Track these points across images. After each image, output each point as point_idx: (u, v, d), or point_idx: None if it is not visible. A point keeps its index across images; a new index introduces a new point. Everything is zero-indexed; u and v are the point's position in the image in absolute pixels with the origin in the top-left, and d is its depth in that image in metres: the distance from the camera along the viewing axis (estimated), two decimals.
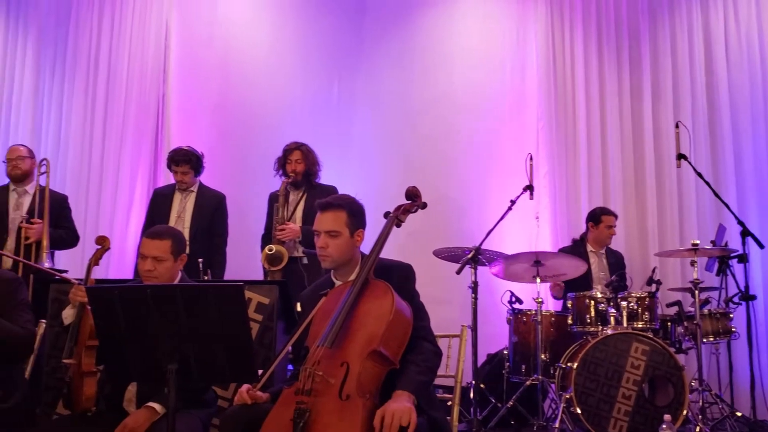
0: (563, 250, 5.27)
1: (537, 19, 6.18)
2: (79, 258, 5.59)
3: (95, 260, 2.98)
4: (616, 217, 5.34)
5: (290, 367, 3.63)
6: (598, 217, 5.26)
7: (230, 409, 2.50)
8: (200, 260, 4.31)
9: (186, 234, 4.67)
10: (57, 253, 4.79)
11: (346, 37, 6.33)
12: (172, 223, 4.72)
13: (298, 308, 3.91)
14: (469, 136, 6.10)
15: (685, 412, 4.04)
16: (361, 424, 2.22)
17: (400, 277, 2.60)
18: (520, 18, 6.22)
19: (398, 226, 2.71)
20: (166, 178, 5.57)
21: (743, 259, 4.67)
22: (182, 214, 4.77)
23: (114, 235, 5.73)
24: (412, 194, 2.74)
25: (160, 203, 4.86)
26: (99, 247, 3.01)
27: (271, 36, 6.29)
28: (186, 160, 4.73)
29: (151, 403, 2.70)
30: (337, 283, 2.67)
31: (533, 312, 4.62)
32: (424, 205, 2.75)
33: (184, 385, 2.34)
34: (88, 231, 5.68)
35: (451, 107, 6.14)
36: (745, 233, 4.67)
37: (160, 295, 2.23)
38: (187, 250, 4.56)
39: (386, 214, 2.73)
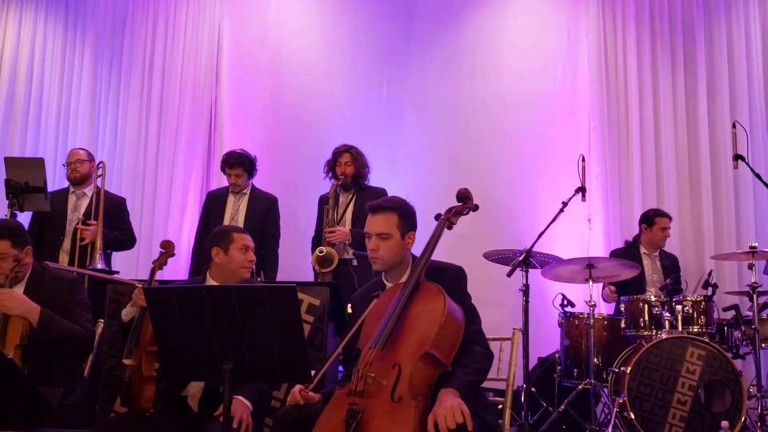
0: (615, 252, 5.19)
1: (588, 16, 6.09)
2: (134, 260, 5.76)
3: (159, 264, 3.06)
4: (670, 219, 5.22)
5: (341, 368, 3.67)
6: (651, 218, 5.17)
7: (282, 409, 2.55)
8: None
9: None
10: (114, 254, 4.91)
11: (395, 39, 6.35)
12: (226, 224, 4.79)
13: (349, 310, 3.97)
14: (520, 136, 6.06)
15: (743, 418, 3.95)
16: (413, 426, 2.23)
17: (452, 279, 2.61)
18: (571, 15, 6.14)
19: (449, 228, 2.72)
20: (219, 180, 5.69)
21: None
22: (235, 216, 4.84)
23: (168, 237, 5.84)
24: (464, 196, 2.75)
25: (213, 205, 4.94)
26: (163, 251, 3.09)
27: (322, 39, 6.36)
28: (239, 163, 4.80)
29: (242, 399, 2.78)
30: (389, 285, 2.69)
31: (585, 315, 4.57)
32: (475, 208, 2.76)
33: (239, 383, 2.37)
34: (143, 233, 5.85)
35: (501, 107, 6.11)
36: None
37: (216, 296, 2.27)
38: None
39: (437, 216, 2.74)
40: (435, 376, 2.39)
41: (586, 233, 5.80)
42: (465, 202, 2.74)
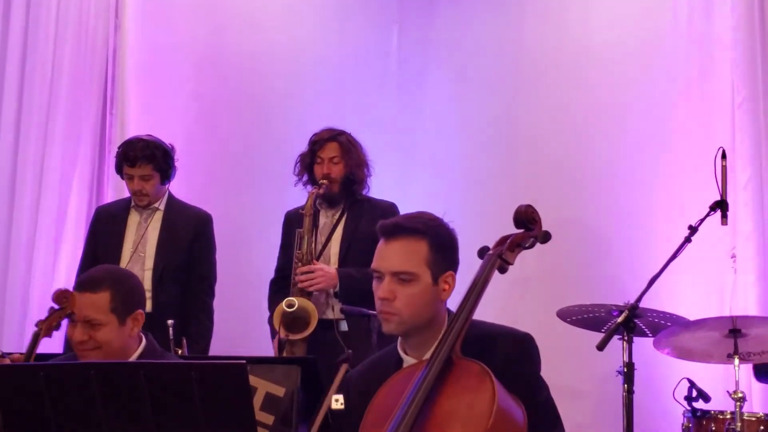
0: None
1: None
2: None
3: (48, 329, 3.06)
4: None
5: None
6: None
7: None
8: (170, 322, 4.35)
9: (147, 278, 4.78)
10: None
11: None
12: (125, 258, 4.82)
13: (334, 403, 3.96)
14: (617, 119, 6.06)
15: None
16: None
17: (513, 355, 2.61)
18: None
19: (502, 271, 2.72)
20: (118, 187, 5.66)
21: None
22: (141, 245, 4.85)
23: (33, 278, 5.84)
24: (528, 219, 2.75)
25: (106, 228, 4.95)
26: (58, 307, 3.08)
27: None
28: (146, 158, 4.81)
29: None
30: (407, 360, 2.69)
31: (729, 415, 4.53)
32: (545, 237, 2.78)
33: None
34: None
35: (587, 71, 6.12)
36: None
37: (112, 378, 2.26)
38: (148, 306, 4.71)
39: (482, 252, 2.75)
40: None
41: (728, 278, 5.77)
42: (528, 228, 2.75)
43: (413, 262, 2.63)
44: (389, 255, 2.66)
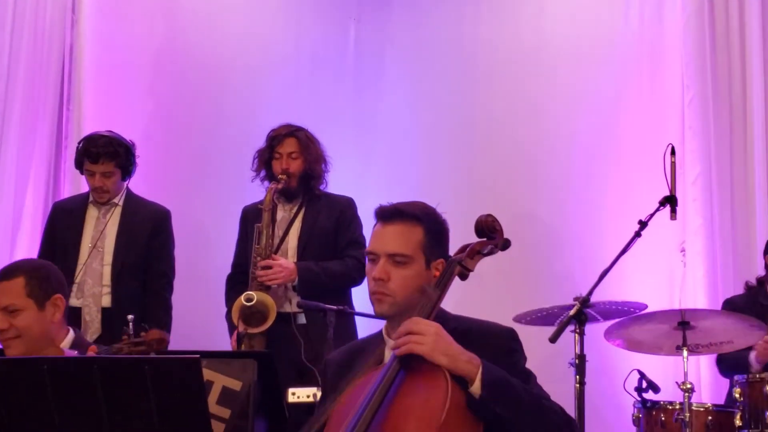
0: (730, 302, 5.20)
1: None
2: None
3: None
4: None
5: None
6: None
7: None
8: (130, 317, 4.31)
9: (106, 273, 4.77)
10: None
11: None
12: (84, 253, 4.78)
13: (291, 397, 3.96)
14: (570, 116, 6.10)
15: None
16: None
17: (504, 348, 2.62)
18: None
19: (463, 278, 2.70)
20: (76, 182, 5.62)
21: None
22: (100, 241, 4.82)
23: None
24: (489, 228, 2.74)
25: (64, 224, 4.91)
26: None
27: None
28: (108, 154, 4.78)
29: None
30: (390, 342, 2.67)
31: (677, 406, 4.57)
32: (505, 245, 2.77)
33: None
34: None
35: (541, 67, 6.16)
36: None
37: (65, 374, 2.24)
38: (106, 300, 4.68)
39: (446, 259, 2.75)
40: None
41: (678, 272, 5.82)
42: (490, 236, 2.74)
43: (409, 245, 2.63)
44: (386, 237, 2.65)
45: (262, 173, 4.89)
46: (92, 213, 4.90)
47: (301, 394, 3.97)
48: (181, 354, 2.46)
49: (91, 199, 4.93)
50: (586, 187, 6.02)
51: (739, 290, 5.45)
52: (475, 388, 2.39)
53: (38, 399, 2.24)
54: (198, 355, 2.28)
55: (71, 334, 3.18)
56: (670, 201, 4.72)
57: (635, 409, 4.81)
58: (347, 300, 4.68)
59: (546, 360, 5.05)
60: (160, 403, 2.21)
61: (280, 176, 4.76)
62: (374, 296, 2.65)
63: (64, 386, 2.22)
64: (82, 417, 2.24)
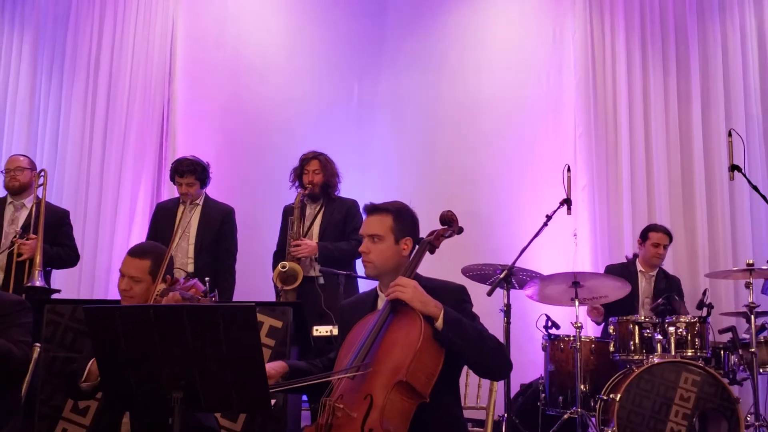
0: (611, 268, 5.22)
1: (575, 17, 6.15)
2: (76, 278, 5.64)
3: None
4: (668, 235, 5.21)
5: (305, 397, 3.63)
6: (645, 233, 5.21)
7: None
8: (207, 279, 4.31)
9: (190, 250, 4.74)
10: (55, 272, 4.81)
11: (366, 39, 6.37)
12: (176, 237, 4.74)
13: (315, 332, 3.96)
14: (500, 144, 6.10)
15: None
16: None
17: (450, 300, 2.58)
18: (556, 16, 6.20)
19: (431, 252, 2.73)
20: (171, 191, 5.61)
21: None
22: (187, 228, 4.78)
23: (114, 254, 5.78)
24: (449, 220, 2.77)
25: (162, 218, 4.88)
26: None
27: (286, 37, 6.34)
28: (190, 171, 4.76)
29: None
30: (381, 295, 2.69)
31: (571, 338, 4.58)
32: (460, 230, 2.79)
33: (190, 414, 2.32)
34: (86, 248, 5.73)
35: (481, 113, 6.15)
36: None
37: (164, 317, 2.23)
38: (191, 267, 4.66)
39: (418, 240, 2.75)
40: (412, 409, 2.38)
41: (572, 249, 5.83)
42: (450, 225, 2.77)
43: (381, 228, 2.64)
44: (367, 224, 2.68)
45: (296, 183, 4.85)
46: (182, 210, 4.86)
47: (321, 330, 3.96)
48: (242, 303, 2.44)
49: (181, 201, 4.90)
50: (511, 192, 6.04)
51: (609, 262, 5.49)
52: (439, 323, 2.41)
53: (147, 335, 2.22)
54: (254, 304, 2.27)
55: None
56: (566, 202, 4.74)
57: (543, 340, 4.83)
58: (353, 267, 4.65)
59: (486, 307, 5.06)
60: (229, 337, 2.20)
61: (307, 185, 4.73)
62: (363, 263, 2.69)
63: (166, 327, 2.21)
64: (175, 346, 2.22)
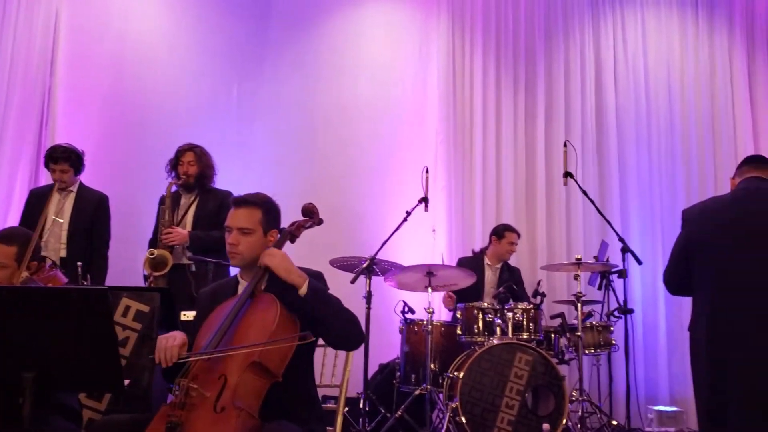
0: (462, 261, 5.33)
1: (439, 35, 6.25)
2: None
3: None
4: (519, 235, 5.43)
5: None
6: (501, 232, 5.36)
7: (103, 419, 2.37)
8: (79, 264, 4.06)
9: (63, 236, 4.47)
10: None
11: (248, 41, 6.23)
12: (49, 222, 4.45)
13: (183, 317, 3.80)
14: (370, 146, 6.11)
15: (564, 421, 4.12)
16: None
17: (319, 281, 2.53)
18: (423, 32, 6.29)
19: (292, 241, 2.66)
20: (48, 178, 5.24)
21: (623, 274, 4.83)
22: (60, 214, 4.52)
23: None
24: (309, 211, 2.71)
25: (36, 204, 4.56)
26: None
27: (169, 34, 6.07)
28: (64, 158, 4.49)
29: None
30: (242, 283, 2.59)
31: (424, 322, 4.62)
32: (320, 222, 2.73)
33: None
34: None
35: (354, 116, 6.14)
36: (625, 250, 4.83)
37: (16, 298, 2.07)
38: (63, 252, 4.37)
39: (280, 230, 2.68)
40: (264, 387, 2.32)
41: (431, 243, 5.91)
42: (310, 216, 2.71)
43: (252, 222, 2.53)
44: (237, 217, 2.55)
45: (172, 174, 4.65)
46: (56, 197, 4.55)
47: (189, 315, 3.78)
48: (96, 287, 2.29)
49: (55, 187, 4.59)
50: (376, 190, 6.06)
51: (463, 255, 5.61)
52: (302, 291, 2.37)
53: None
54: (107, 288, 2.13)
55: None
56: (424, 200, 4.79)
57: (401, 324, 4.86)
58: (224, 255, 4.50)
59: (348, 294, 5.04)
60: (81, 318, 2.06)
61: (182, 175, 4.55)
62: (230, 254, 2.56)
63: (16, 308, 2.06)
64: (28, 329, 2.07)
